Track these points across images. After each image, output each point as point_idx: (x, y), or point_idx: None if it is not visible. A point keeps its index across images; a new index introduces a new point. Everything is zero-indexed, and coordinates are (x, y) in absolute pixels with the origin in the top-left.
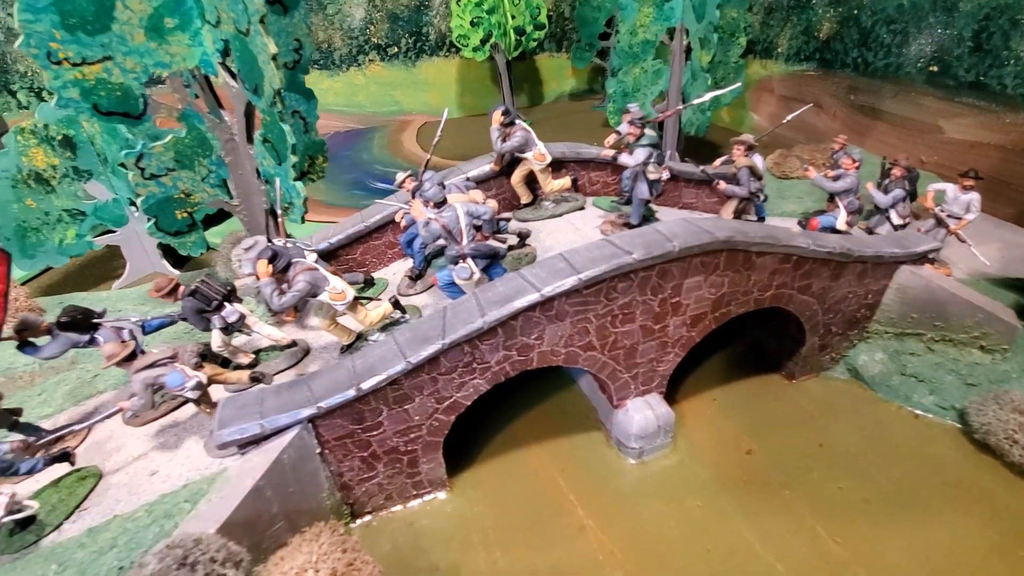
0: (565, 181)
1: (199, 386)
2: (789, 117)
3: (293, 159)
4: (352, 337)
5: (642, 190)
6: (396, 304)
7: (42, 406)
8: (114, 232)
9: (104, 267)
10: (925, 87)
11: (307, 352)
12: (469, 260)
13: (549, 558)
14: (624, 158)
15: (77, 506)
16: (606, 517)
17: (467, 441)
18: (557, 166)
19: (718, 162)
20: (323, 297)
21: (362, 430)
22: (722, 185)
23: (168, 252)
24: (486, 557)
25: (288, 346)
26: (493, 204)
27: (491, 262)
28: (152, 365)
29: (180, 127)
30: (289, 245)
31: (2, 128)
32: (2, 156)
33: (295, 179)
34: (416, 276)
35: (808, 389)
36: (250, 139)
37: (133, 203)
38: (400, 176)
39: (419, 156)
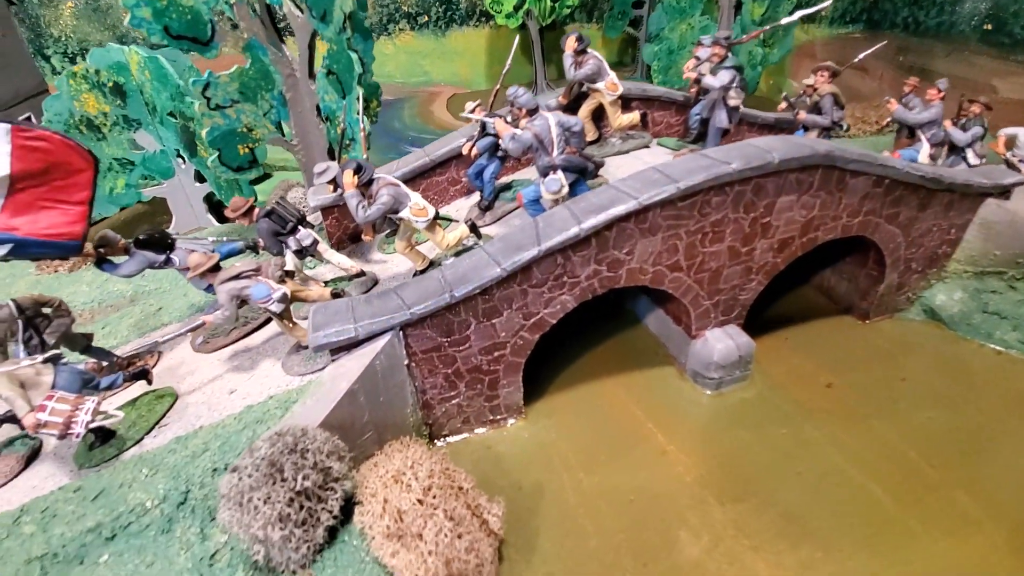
0: (634, 116)
1: (284, 298)
2: (863, 55)
3: (359, 90)
4: (426, 263)
5: (721, 118)
6: (473, 228)
7: (107, 338)
8: (161, 184)
9: (150, 221)
10: (979, 45)
11: (376, 283)
12: (559, 172)
13: (634, 479)
14: (709, 79)
15: (156, 422)
16: (689, 443)
17: (537, 372)
18: (623, 104)
19: (783, 105)
20: (404, 213)
21: (449, 343)
22: (802, 115)
23: (213, 208)
24: (570, 478)
25: (357, 275)
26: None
27: (577, 179)
28: (237, 277)
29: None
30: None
31: (41, 87)
32: (55, 100)
33: (358, 113)
34: (486, 208)
35: (883, 329)
36: (311, 75)
37: (180, 155)
38: (470, 106)
39: (451, 124)
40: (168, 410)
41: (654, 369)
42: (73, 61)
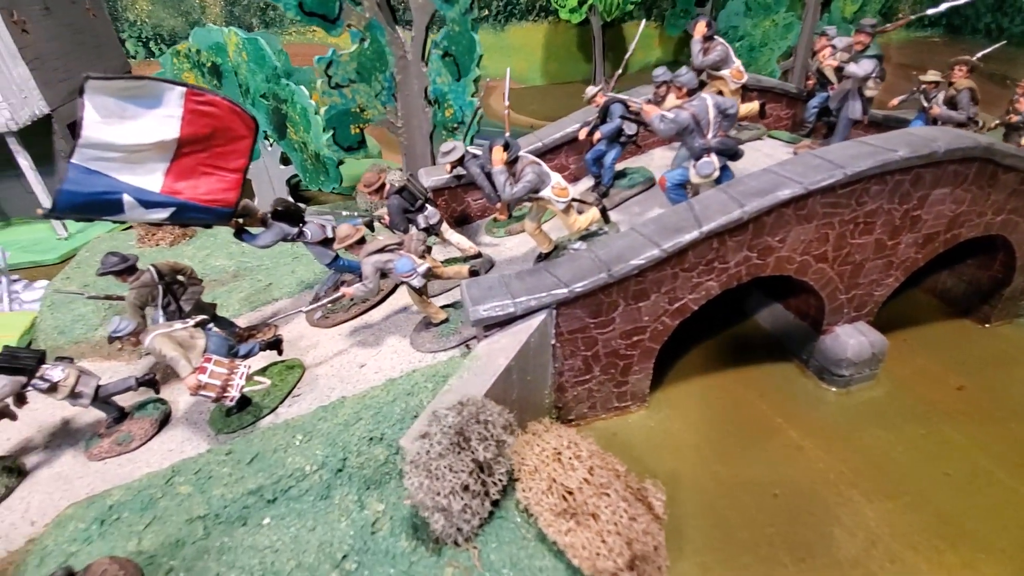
0: (753, 106)
1: (427, 273)
2: (981, 53)
3: (476, 72)
4: (551, 246)
5: (855, 109)
6: (603, 212)
7: (220, 311)
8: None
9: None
10: None
11: (492, 264)
12: (713, 155)
13: (774, 473)
14: (852, 67)
15: (289, 392)
16: (823, 440)
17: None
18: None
19: (896, 101)
20: (545, 192)
21: (595, 325)
22: (936, 110)
23: (294, 190)
24: (704, 469)
25: (474, 257)
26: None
27: (724, 165)
28: (382, 250)
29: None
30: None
31: (125, 68)
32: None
33: (471, 95)
34: (604, 194)
35: (1004, 334)
36: (424, 58)
37: (267, 137)
38: (591, 90)
39: (513, 117)
40: (298, 381)
41: (772, 365)
42: (146, 45)
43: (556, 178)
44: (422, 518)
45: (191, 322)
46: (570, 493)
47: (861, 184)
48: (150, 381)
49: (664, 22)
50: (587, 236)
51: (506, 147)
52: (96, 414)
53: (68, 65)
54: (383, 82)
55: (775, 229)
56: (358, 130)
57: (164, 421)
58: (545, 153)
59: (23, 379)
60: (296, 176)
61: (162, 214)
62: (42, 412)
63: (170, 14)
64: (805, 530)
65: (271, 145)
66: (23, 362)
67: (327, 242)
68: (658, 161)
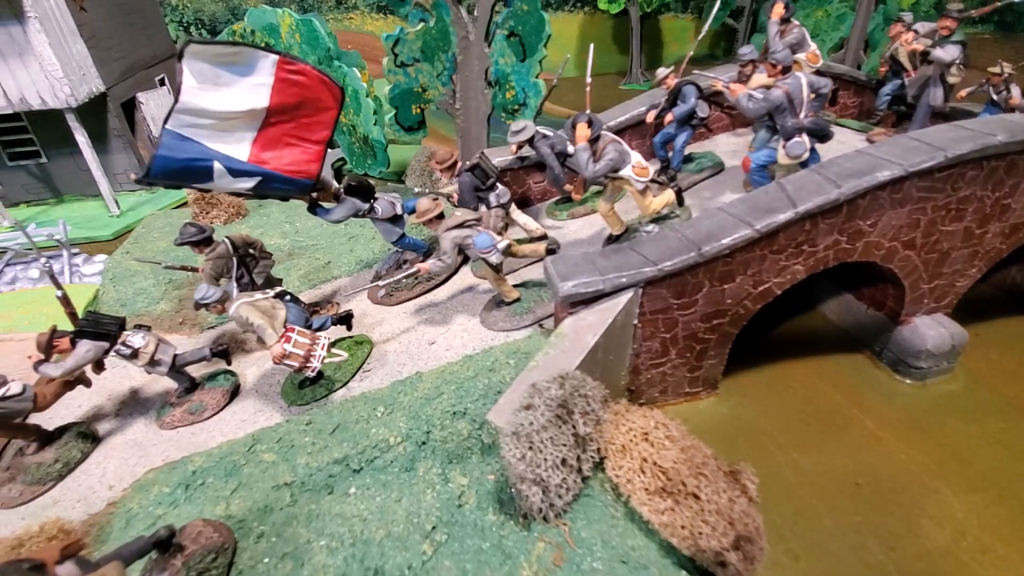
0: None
1: (506, 250)
2: None
3: (543, 52)
4: (622, 228)
5: (936, 95)
6: (679, 194)
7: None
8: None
9: None
10: None
11: (558, 246)
12: (804, 135)
13: (854, 462)
14: (938, 52)
15: (359, 367)
16: (902, 431)
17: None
18: None
19: (964, 92)
20: (626, 171)
21: (677, 306)
22: (1016, 100)
23: (336, 174)
24: (783, 456)
25: (540, 238)
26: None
27: (812, 147)
28: (461, 225)
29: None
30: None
31: (171, 51)
32: None
33: (535, 76)
34: (672, 177)
35: None
36: (487, 38)
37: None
38: (662, 72)
39: (547, 107)
40: (367, 356)
41: (842, 356)
42: (187, 30)
43: (636, 157)
44: (509, 493)
45: (271, 293)
46: (664, 472)
47: (958, 169)
48: (223, 352)
49: (702, 14)
50: (659, 219)
51: (589, 124)
52: (164, 384)
53: (121, 44)
54: (445, 62)
55: (868, 213)
56: (419, 110)
57: (234, 393)
58: (629, 127)
59: (106, 344)
60: (340, 160)
61: (247, 183)
62: (111, 381)
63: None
64: (892, 520)
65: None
66: (106, 327)
67: (396, 219)
68: (723, 147)
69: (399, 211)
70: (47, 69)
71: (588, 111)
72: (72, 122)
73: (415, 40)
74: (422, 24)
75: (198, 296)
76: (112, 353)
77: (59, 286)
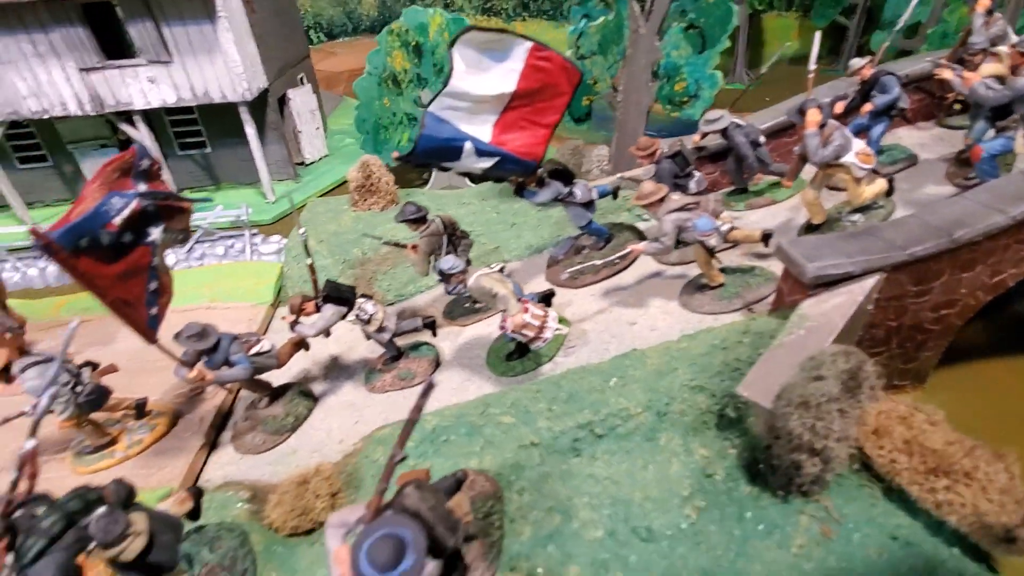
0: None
1: (726, 233)
2: None
3: (725, 43)
4: (824, 218)
5: None
6: (890, 184)
7: None
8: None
9: (407, 174)
10: None
11: (772, 233)
12: None
13: None
14: None
15: (561, 344)
16: None
17: None
18: None
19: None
20: (849, 158)
21: (913, 294)
22: None
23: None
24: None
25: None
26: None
27: None
28: (683, 208)
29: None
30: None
31: (305, 54)
32: (375, 54)
33: (713, 68)
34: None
35: None
36: (659, 31)
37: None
38: (857, 62)
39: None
40: (567, 334)
41: None
42: (306, 33)
43: (860, 144)
44: (759, 467)
45: (496, 267)
46: (935, 453)
47: None
48: (432, 324)
49: (810, 12)
50: (863, 209)
51: (819, 109)
52: (359, 353)
53: (277, 45)
54: (616, 55)
55: None
56: (588, 102)
57: (438, 363)
58: (783, 129)
59: (344, 309)
60: None
61: (486, 163)
62: (313, 349)
63: (330, 3)
64: None
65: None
66: (345, 294)
67: (589, 204)
68: (906, 140)
69: (594, 196)
70: (229, 65)
71: (811, 96)
72: (244, 115)
73: (595, 34)
74: (603, 19)
75: (445, 267)
76: (349, 317)
77: (309, 254)
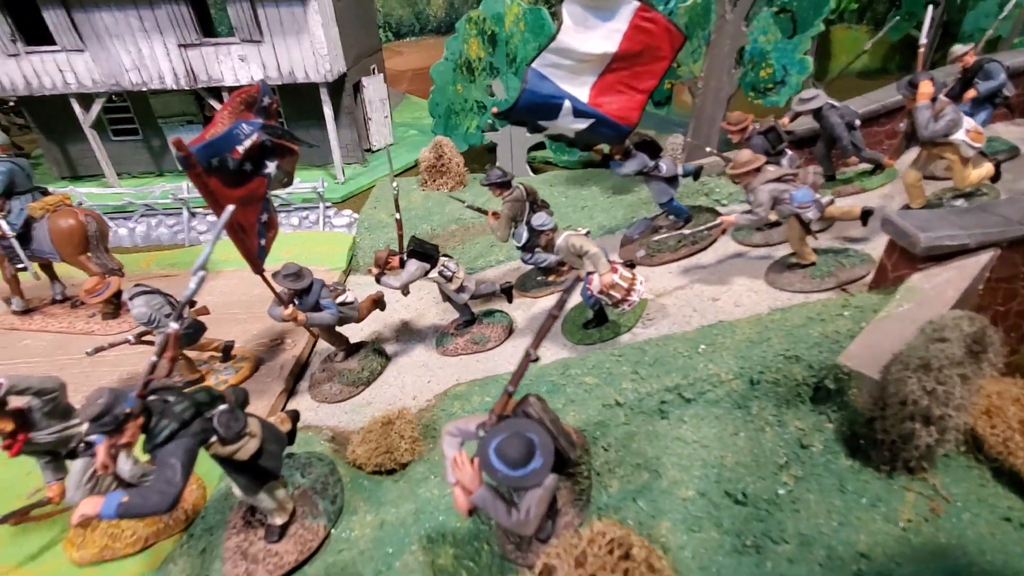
0: None
1: (826, 206)
2: None
3: (819, 27)
4: (924, 202)
5: None
6: (998, 168)
7: None
8: (496, 131)
9: (477, 160)
10: None
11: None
12: None
13: None
14: None
15: (640, 315)
16: None
17: None
18: None
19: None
20: (959, 135)
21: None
22: None
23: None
24: None
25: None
26: None
27: None
28: (780, 179)
29: None
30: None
31: (378, 46)
32: (453, 40)
33: (804, 53)
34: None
35: None
36: (747, 17)
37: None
38: (960, 48)
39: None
40: (645, 306)
41: None
42: None
43: (970, 122)
44: (865, 441)
45: (582, 231)
46: None
47: None
48: (508, 289)
49: (883, 25)
50: (967, 195)
51: (932, 80)
52: (428, 319)
53: (355, 33)
54: (701, 40)
55: None
56: (670, 86)
57: (511, 330)
58: (879, 117)
59: (427, 266)
60: (535, 146)
61: (581, 124)
62: (385, 313)
63: (400, 4)
64: None
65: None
66: (429, 251)
67: (672, 180)
68: (1005, 135)
69: (679, 172)
70: (315, 47)
71: (920, 71)
72: (324, 96)
73: (683, 16)
74: (691, 1)
75: (537, 223)
76: (431, 274)
77: (398, 209)
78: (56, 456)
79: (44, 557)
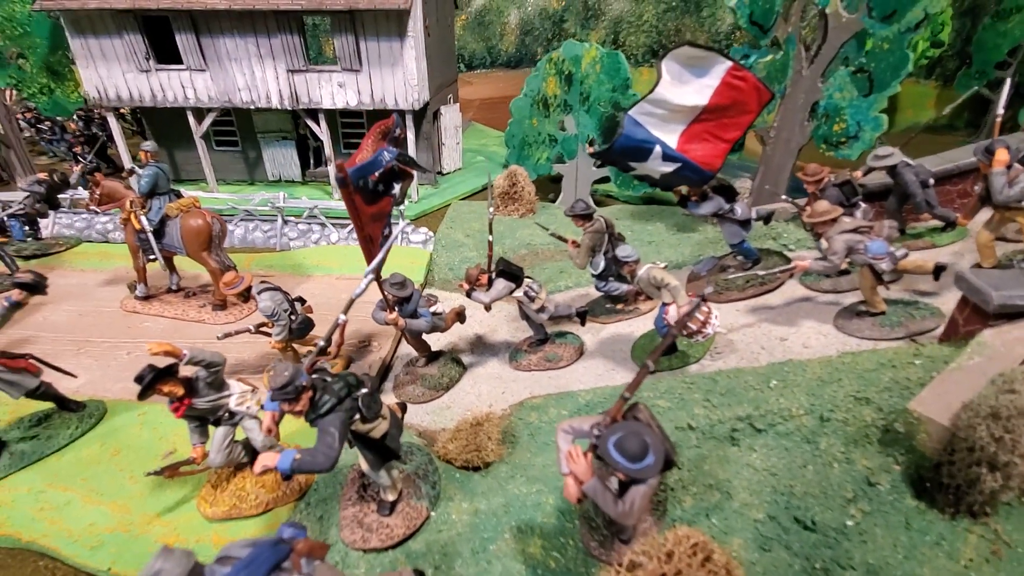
0: None
1: (903, 260)
2: None
3: (895, 88)
4: (995, 262)
5: None
6: None
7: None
8: (565, 163)
9: (542, 189)
10: None
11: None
12: None
13: None
14: None
15: (708, 348)
16: None
17: None
18: None
19: None
20: None
21: None
22: None
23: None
24: None
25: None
26: None
27: None
28: (855, 230)
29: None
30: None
31: (454, 77)
32: (533, 77)
33: (879, 111)
34: None
35: None
36: (823, 74)
37: (591, 141)
38: None
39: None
40: (712, 340)
41: None
42: None
43: None
44: (931, 484)
45: (660, 264)
46: None
47: None
48: (584, 313)
49: (952, 81)
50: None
51: (1008, 149)
52: (500, 335)
53: (437, 67)
54: (777, 92)
55: None
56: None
57: (581, 352)
58: (953, 176)
59: (513, 285)
60: (600, 179)
61: (668, 168)
62: (461, 328)
63: (474, 39)
64: None
65: (591, 147)
66: (515, 271)
67: (746, 223)
68: None
69: (752, 216)
70: (407, 78)
71: (998, 137)
72: (408, 122)
73: (762, 70)
74: (771, 57)
75: (622, 255)
76: (516, 293)
77: (491, 231)
78: (204, 422)
79: (180, 510)
